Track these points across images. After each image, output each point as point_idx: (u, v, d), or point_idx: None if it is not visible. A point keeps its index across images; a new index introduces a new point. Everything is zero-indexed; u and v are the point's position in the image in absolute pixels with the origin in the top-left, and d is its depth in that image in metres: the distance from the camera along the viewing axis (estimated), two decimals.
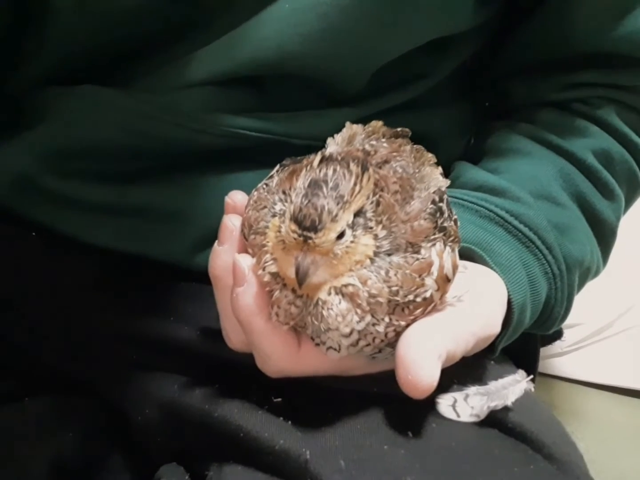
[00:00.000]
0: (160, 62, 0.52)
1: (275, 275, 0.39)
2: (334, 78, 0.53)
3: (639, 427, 0.85)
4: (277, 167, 0.44)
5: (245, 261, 0.41)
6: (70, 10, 0.49)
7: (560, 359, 0.92)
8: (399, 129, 0.47)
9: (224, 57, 0.51)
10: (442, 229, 0.41)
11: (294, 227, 0.36)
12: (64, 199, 0.54)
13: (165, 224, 0.54)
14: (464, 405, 0.43)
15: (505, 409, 0.45)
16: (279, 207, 0.40)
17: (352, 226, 0.37)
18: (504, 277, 0.48)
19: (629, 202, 0.61)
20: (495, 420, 0.44)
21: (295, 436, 0.43)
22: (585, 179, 0.56)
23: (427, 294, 0.39)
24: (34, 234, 0.56)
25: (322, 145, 0.44)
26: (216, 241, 0.44)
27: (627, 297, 0.96)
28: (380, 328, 0.39)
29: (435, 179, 0.43)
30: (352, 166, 0.37)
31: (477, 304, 0.44)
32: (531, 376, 0.48)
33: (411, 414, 0.43)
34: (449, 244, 0.41)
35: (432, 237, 0.40)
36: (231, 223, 0.43)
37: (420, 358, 0.39)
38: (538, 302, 0.51)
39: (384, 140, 0.44)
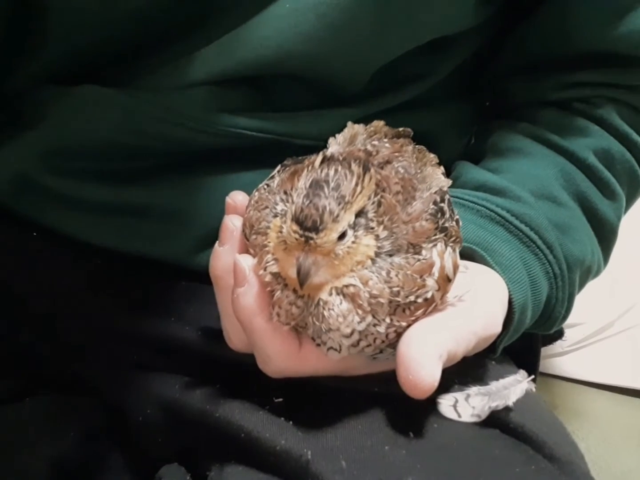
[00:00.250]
0: (161, 62, 0.52)
1: (276, 276, 0.39)
2: (334, 78, 0.53)
3: None
4: (279, 167, 0.44)
5: (246, 261, 0.41)
6: (70, 9, 0.49)
7: (561, 358, 0.91)
8: (401, 129, 0.47)
9: (224, 57, 0.51)
10: (443, 230, 0.41)
11: (295, 227, 0.36)
12: (64, 198, 0.54)
13: (165, 223, 0.54)
14: (465, 406, 0.43)
15: (507, 409, 0.45)
16: (280, 207, 0.40)
17: (354, 227, 0.37)
18: (505, 276, 0.48)
19: (629, 202, 0.61)
20: (497, 420, 0.44)
21: (297, 436, 0.43)
22: (586, 179, 0.56)
23: (428, 295, 0.39)
24: (34, 233, 0.56)
25: (323, 145, 0.44)
26: (217, 241, 0.44)
27: (628, 296, 0.95)
28: (381, 329, 0.39)
29: (437, 179, 0.43)
30: (354, 166, 0.37)
31: (478, 304, 0.44)
32: (532, 376, 0.48)
33: (412, 414, 0.43)
34: (450, 244, 0.41)
35: (433, 237, 0.40)
36: (232, 223, 0.43)
37: (421, 358, 0.38)
38: (539, 301, 0.51)
39: (385, 140, 0.44)
